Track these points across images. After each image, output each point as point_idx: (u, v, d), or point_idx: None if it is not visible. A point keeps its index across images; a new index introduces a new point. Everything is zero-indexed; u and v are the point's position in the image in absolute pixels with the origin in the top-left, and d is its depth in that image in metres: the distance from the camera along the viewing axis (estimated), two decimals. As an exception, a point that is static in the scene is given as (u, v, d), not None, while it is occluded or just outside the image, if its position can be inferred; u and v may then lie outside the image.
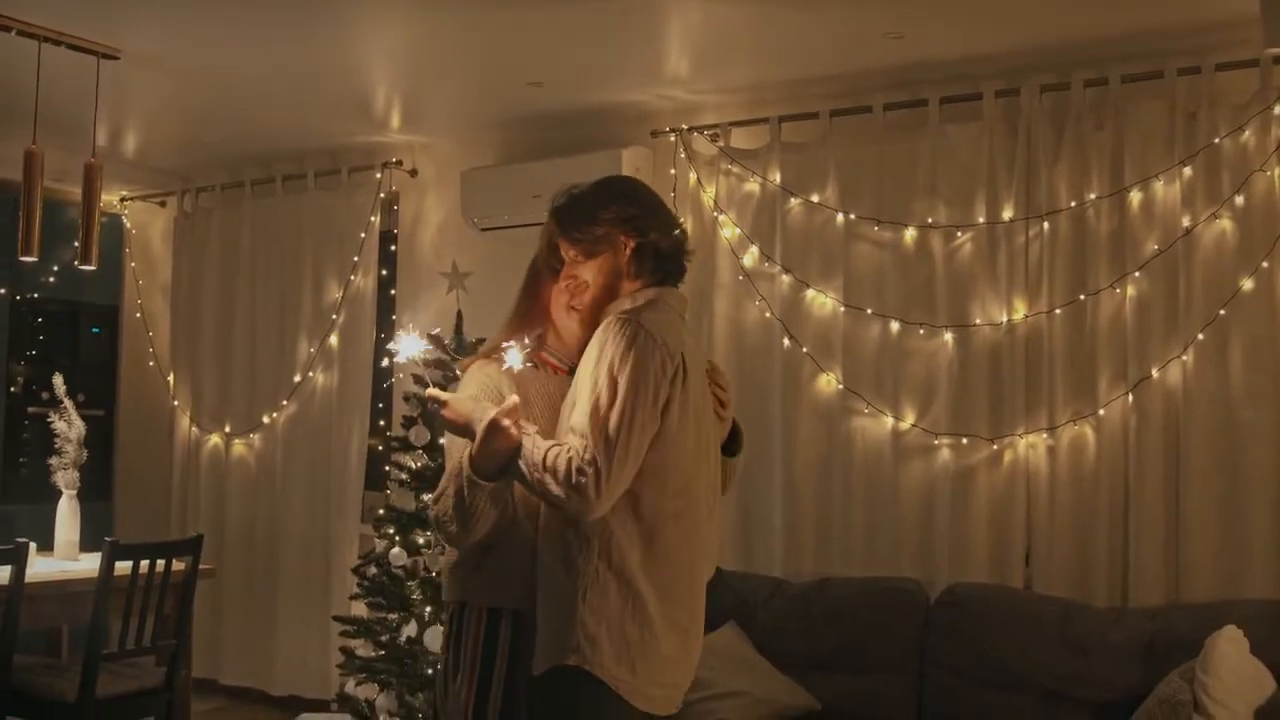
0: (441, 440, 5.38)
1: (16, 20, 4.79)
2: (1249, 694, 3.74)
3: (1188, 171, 4.67)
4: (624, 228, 2.80)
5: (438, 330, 5.41)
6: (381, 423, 6.68)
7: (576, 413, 2.64)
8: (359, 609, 5.72)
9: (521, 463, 2.61)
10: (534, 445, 2.61)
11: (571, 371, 2.86)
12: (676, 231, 2.88)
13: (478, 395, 2.80)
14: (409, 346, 2.82)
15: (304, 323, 6.89)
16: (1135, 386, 4.71)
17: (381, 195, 6.65)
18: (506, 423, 2.60)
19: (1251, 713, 3.71)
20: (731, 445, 2.99)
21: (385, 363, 6.66)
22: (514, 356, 2.74)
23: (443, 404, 2.74)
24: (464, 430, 2.70)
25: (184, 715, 5.29)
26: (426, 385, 5.48)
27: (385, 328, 6.74)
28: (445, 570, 2.99)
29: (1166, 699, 3.78)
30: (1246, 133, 4.58)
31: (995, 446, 4.97)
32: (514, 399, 2.65)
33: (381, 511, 5.58)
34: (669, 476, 2.68)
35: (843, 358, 5.27)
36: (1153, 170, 4.72)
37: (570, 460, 2.55)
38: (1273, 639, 3.93)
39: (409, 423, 5.52)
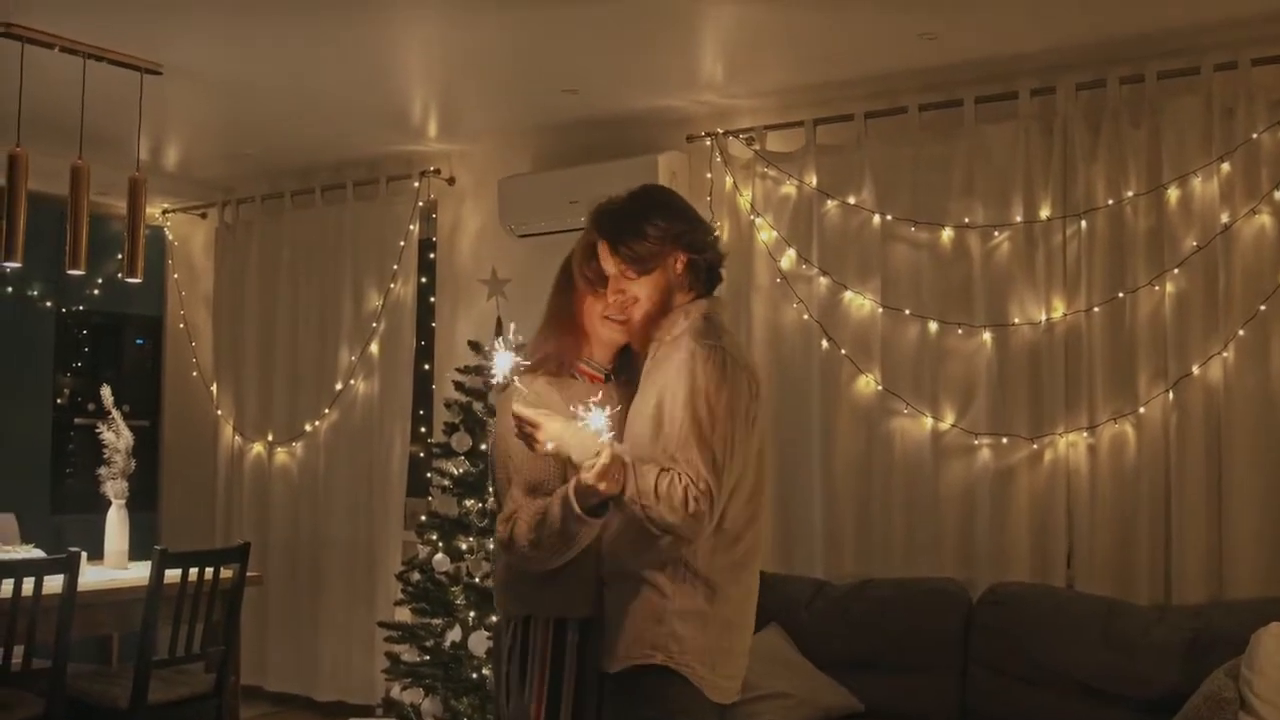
0: (483, 446, 5.43)
1: (61, 38, 4.87)
2: (1295, 691, 3.72)
3: (1226, 167, 4.64)
4: (675, 243, 2.85)
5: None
6: (423, 429, 6.74)
7: (679, 439, 2.67)
8: (403, 615, 5.78)
9: (627, 496, 2.65)
10: (640, 476, 2.64)
11: (608, 379, 2.95)
12: (720, 241, 2.96)
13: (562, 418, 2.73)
14: (503, 364, 2.77)
15: (345, 331, 6.96)
16: (1176, 384, 4.69)
17: (420, 204, 6.70)
18: (603, 486, 2.62)
19: (1298, 709, 3.70)
20: None
21: (426, 367, 6.72)
22: (597, 421, 2.65)
23: (535, 426, 2.70)
24: (556, 456, 2.72)
25: (233, 721, 5.36)
26: (471, 389, 5.53)
27: (425, 335, 6.80)
28: (501, 584, 3.00)
29: (1212, 696, 3.77)
30: (1285, 128, 4.56)
31: (1035, 446, 4.96)
32: (605, 455, 2.61)
33: (424, 518, 5.63)
34: (745, 484, 2.79)
35: (881, 359, 5.28)
36: (1190, 167, 4.70)
37: (687, 489, 2.62)
38: (1318, 635, 3.91)
39: (450, 429, 5.57)
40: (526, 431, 2.70)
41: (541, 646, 2.85)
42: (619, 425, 2.76)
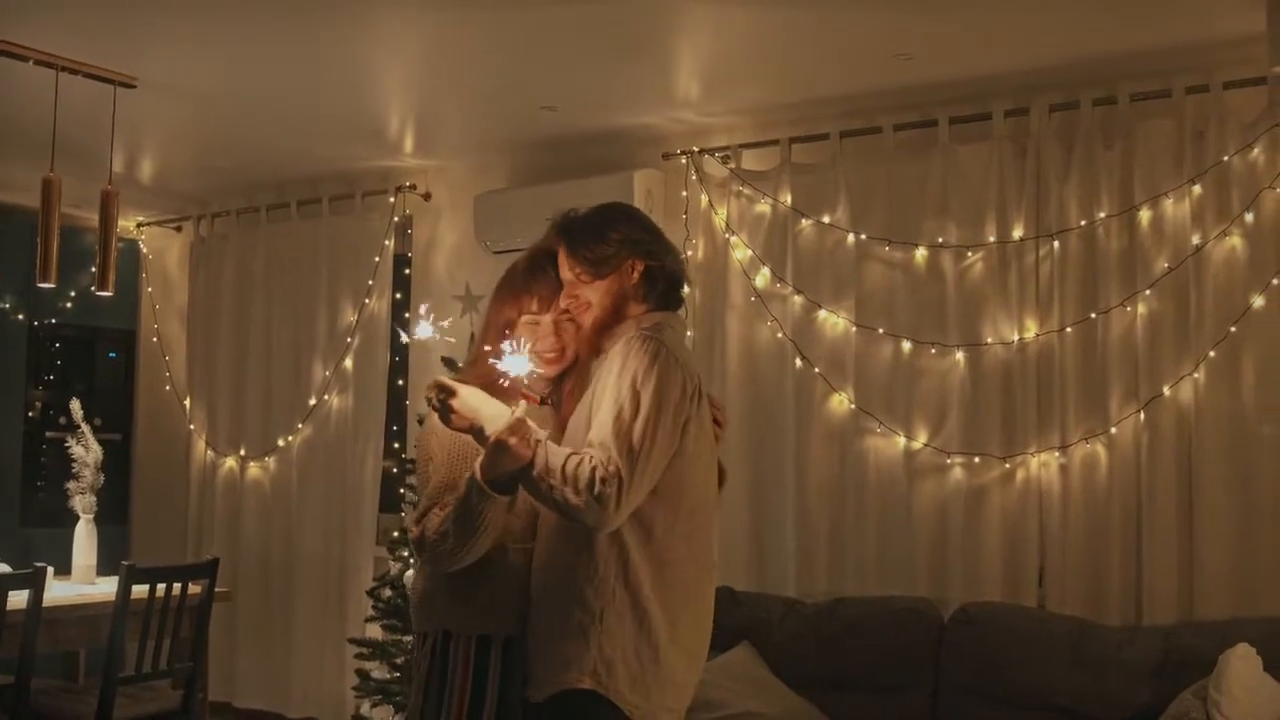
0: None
1: (34, 50, 4.84)
2: (1262, 712, 3.74)
3: (1197, 189, 4.67)
4: (634, 250, 2.80)
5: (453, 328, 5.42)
6: (396, 445, 6.71)
7: (597, 423, 2.58)
8: (374, 631, 5.75)
9: (535, 472, 2.54)
10: (550, 453, 2.54)
11: (543, 402, 2.84)
12: (682, 257, 2.90)
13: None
14: (423, 331, 2.69)
15: (319, 346, 6.92)
16: (1147, 404, 4.71)
17: (395, 219, 6.68)
18: (514, 441, 2.52)
19: (1266, 731, 3.71)
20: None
21: (400, 383, 6.70)
22: (518, 365, 2.62)
23: (452, 394, 2.60)
24: (469, 431, 2.60)
25: (201, 738, 5.32)
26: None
27: (399, 350, 6.78)
28: (419, 599, 2.84)
29: (1179, 717, 3.78)
30: (1255, 150, 4.59)
31: (1007, 465, 4.97)
32: (519, 411, 2.55)
33: (396, 534, 5.60)
34: (683, 497, 2.67)
35: (855, 378, 5.28)
36: (1162, 188, 4.73)
37: (594, 470, 2.49)
38: (1287, 656, 3.93)
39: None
40: (442, 398, 2.59)
41: (461, 668, 2.68)
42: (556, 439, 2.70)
